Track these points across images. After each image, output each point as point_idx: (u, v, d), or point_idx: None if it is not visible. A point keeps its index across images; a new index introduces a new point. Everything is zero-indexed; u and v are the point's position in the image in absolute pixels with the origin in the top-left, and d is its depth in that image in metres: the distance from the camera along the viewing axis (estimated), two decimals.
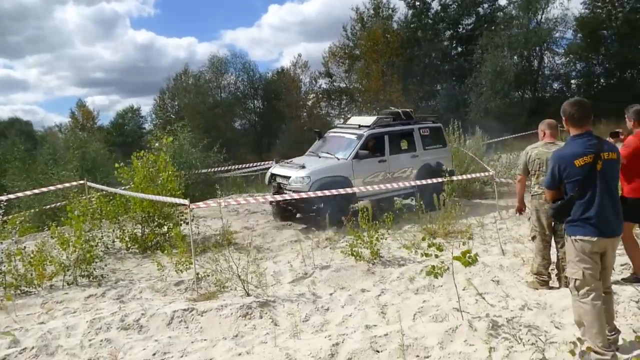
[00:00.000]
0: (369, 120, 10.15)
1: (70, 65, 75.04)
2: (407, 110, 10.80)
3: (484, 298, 4.57)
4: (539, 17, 29.84)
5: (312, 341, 4.00)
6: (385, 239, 6.59)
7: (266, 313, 4.76)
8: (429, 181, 8.71)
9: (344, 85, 37.17)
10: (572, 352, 3.23)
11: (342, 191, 8.24)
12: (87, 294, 5.82)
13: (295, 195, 8.38)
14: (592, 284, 3.34)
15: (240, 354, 3.92)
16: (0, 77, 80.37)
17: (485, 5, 33.49)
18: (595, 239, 3.31)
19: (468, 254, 3.81)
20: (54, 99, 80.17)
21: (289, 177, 9.01)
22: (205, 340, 4.28)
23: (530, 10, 29.28)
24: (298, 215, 9.63)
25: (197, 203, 6.25)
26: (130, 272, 6.97)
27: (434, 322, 4.18)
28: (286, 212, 9.59)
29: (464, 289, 4.99)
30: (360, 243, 6.34)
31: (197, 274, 5.86)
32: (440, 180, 8.73)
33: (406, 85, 32.49)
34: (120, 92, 78.48)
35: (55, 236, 6.48)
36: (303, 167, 9.16)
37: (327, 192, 8.08)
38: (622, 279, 4.73)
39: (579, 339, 3.32)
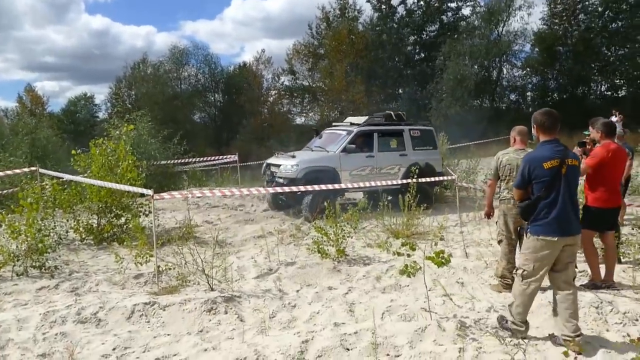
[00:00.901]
0: (362, 119, 10.89)
1: (17, 48, 71.20)
2: (399, 112, 11.29)
3: (451, 299, 4.64)
4: (500, 29, 30.81)
5: (280, 338, 3.93)
6: (351, 237, 6.57)
7: (231, 308, 4.65)
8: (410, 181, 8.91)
9: (307, 84, 37.13)
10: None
11: (329, 185, 8.38)
12: (38, 286, 5.51)
13: (286, 188, 8.66)
14: (536, 277, 3.67)
15: (206, 350, 3.80)
16: None
17: (449, 14, 34.28)
18: (555, 238, 3.57)
19: (441, 255, 3.84)
20: None
21: (280, 166, 9.71)
22: (168, 335, 4.13)
23: (492, 21, 30.18)
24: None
25: (162, 194, 6.04)
26: (86, 263, 6.65)
27: (403, 322, 4.20)
28: (280, 200, 10.39)
29: (429, 290, 5.04)
30: (326, 240, 6.31)
31: (158, 267, 5.66)
32: (429, 179, 9.09)
33: (369, 86, 32.81)
34: (72, 78, 75.46)
35: (5, 224, 6.10)
36: (294, 157, 9.94)
37: (315, 187, 8.19)
38: (581, 285, 4.90)
39: (551, 334, 3.46)
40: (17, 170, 9.69)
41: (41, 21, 74.67)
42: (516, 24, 31.34)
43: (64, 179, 8.51)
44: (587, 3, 29.74)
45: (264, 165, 10.64)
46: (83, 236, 7.59)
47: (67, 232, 7.55)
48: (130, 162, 7.48)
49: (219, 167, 16.63)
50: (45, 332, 4.20)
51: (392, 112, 11.13)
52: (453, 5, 33.79)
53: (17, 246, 6.05)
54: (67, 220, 7.52)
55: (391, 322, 4.15)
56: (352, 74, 32.97)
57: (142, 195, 8.18)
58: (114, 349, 3.86)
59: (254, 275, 5.86)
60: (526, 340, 3.73)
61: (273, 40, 67.41)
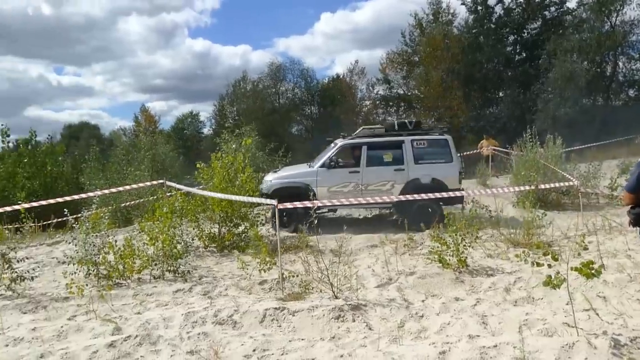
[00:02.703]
0: (366, 131, 10.09)
1: (132, 73, 78.99)
2: (405, 120, 10.04)
3: (597, 314, 4.28)
4: (613, 19, 28.28)
5: (415, 348, 3.87)
6: (472, 247, 6.33)
7: (358, 316, 4.68)
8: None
9: (402, 92, 36.76)
10: None
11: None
12: (174, 289, 5.95)
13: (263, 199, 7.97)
14: None
15: (342, 356, 3.84)
16: (70, 84, 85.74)
17: (553, 9, 32.11)
18: None
19: (591, 266, 3.56)
20: (117, 104, 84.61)
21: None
22: (302, 339, 4.24)
23: (603, 12, 27.77)
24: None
25: (285, 203, 6.29)
26: (211, 269, 7.08)
27: (545, 337, 3.94)
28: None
29: (567, 304, 4.69)
30: (446, 250, 6.14)
31: (282, 274, 5.86)
32: (428, 196, 7.94)
33: (467, 91, 31.72)
34: (178, 98, 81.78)
35: (145, 231, 6.69)
36: (275, 172, 9.98)
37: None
38: None
39: None
40: (148, 183, 10.58)
41: (151, 48, 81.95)
42: (632, 12, 28.40)
43: (186, 191, 9.18)
44: None
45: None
46: (206, 244, 8.09)
47: (192, 239, 8.09)
48: (248, 173, 7.87)
49: None
50: (188, 331, 4.51)
51: (396, 121, 9.98)
52: None
53: (154, 251, 6.60)
54: (193, 229, 8.06)
55: (532, 337, 3.91)
56: (449, 79, 32.08)
57: (258, 205, 8.60)
58: (254, 350, 4.03)
59: (375, 284, 5.85)
60: None
61: (363, 51, 68.07)
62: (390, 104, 37.22)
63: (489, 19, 32.89)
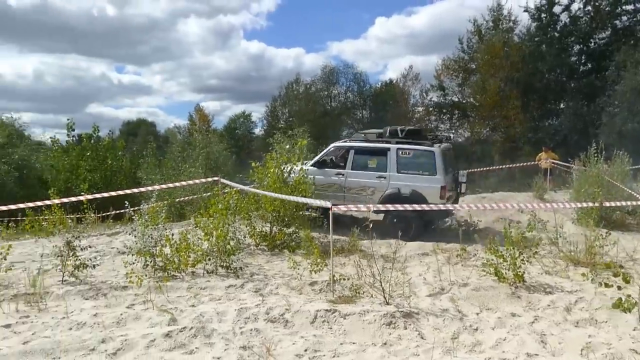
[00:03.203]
0: (359, 135, 10.24)
1: (189, 73, 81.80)
2: (398, 128, 9.74)
3: None
4: None
5: None
6: (529, 262, 6.09)
7: (410, 324, 4.61)
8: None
9: (457, 99, 36.04)
10: None
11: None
12: (227, 284, 6.07)
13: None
14: None
15: None
16: (130, 82, 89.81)
17: (624, 18, 30.53)
18: None
19: None
20: (173, 103, 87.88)
21: None
22: (353, 343, 4.22)
23: None
24: None
25: (340, 206, 6.30)
26: (262, 267, 7.18)
27: None
28: None
29: (634, 329, 4.43)
30: (502, 263, 5.94)
31: (333, 276, 5.86)
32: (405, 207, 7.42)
33: (526, 101, 30.67)
34: (232, 98, 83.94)
35: (200, 226, 6.87)
36: None
37: None
38: None
39: None
40: (203, 180, 10.89)
41: (208, 49, 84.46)
42: None
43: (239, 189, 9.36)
44: None
45: None
46: (258, 242, 8.22)
47: (244, 237, 8.24)
48: (302, 174, 7.94)
49: None
50: (241, 326, 4.58)
51: (392, 128, 9.70)
52: (629, 7, 30.05)
53: (208, 246, 6.77)
54: (246, 227, 8.20)
55: None
56: (507, 88, 31.12)
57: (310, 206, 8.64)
58: (305, 350, 4.05)
59: (426, 292, 5.75)
60: None
61: (417, 56, 67.52)
62: (444, 111, 36.56)
63: (553, 27, 31.66)
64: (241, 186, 9.30)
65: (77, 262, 6.27)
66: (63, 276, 6.23)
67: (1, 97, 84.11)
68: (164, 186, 10.99)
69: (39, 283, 5.72)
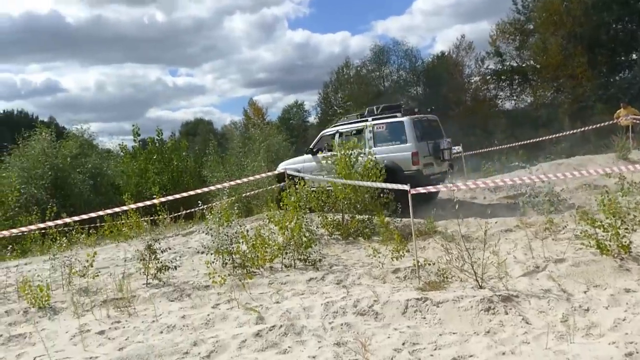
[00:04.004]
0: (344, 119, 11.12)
1: (238, 69, 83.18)
2: (374, 107, 10.45)
3: None
4: None
5: (592, 347, 3.39)
6: (635, 230, 5.51)
7: (511, 309, 4.26)
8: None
9: (516, 64, 34.18)
10: None
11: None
12: (307, 277, 5.94)
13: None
14: None
15: (504, 354, 3.48)
16: (184, 84, 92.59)
17: None
18: None
19: None
20: (226, 100, 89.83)
21: None
22: (453, 333, 3.95)
23: None
24: None
25: (417, 188, 5.98)
26: (340, 257, 7.01)
27: None
28: None
29: None
30: (602, 234, 5.41)
31: (418, 261, 5.58)
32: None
33: (592, 57, 28.55)
34: (281, 89, 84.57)
35: (273, 221, 6.78)
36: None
37: None
38: None
39: None
40: (269, 173, 10.90)
41: (254, 43, 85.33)
42: None
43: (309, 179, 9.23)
44: None
45: None
46: (331, 231, 8.05)
47: (317, 227, 8.10)
48: (371, 160, 7.67)
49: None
50: (330, 321, 4.42)
51: (375, 107, 10.38)
52: None
53: (283, 240, 6.67)
54: (318, 217, 8.06)
55: None
56: (570, 45, 29.12)
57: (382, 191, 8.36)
58: (403, 344, 3.82)
59: (520, 272, 5.34)
60: None
61: (465, 25, 64.79)
62: (503, 77, 34.82)
63: None
64: (309, 175, 9.18)
65: (159, 265, 6.36)
66: (147, 279, 6.35)
67: (69, 110, 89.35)
68: (232, 183, 11.09)
69: (126, 287, 5.87)
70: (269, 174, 10.86)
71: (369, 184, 7.02)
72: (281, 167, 11.04)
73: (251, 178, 10.80)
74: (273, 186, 11.63)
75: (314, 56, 78.60)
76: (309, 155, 10.52)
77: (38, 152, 16.01)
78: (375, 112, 10.10)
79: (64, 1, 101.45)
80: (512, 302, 4.37)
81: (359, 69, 38.37)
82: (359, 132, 9.95)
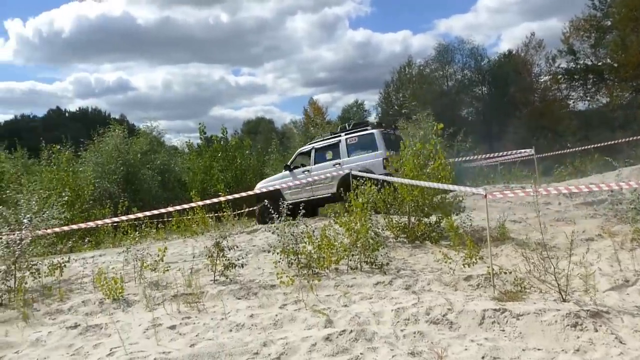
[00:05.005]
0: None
1: (298, 68, 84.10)
2: (346, 124, 12.12)
3: None
4: None
5: None
6: None
7: (600, 326, 3.93)
8: None
9: (591, 63, 32.24)
10: None
11: None
12: (374, 281, 5.80)
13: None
14: None
15: None
16: (246, 83, 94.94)
17: None
18: None
19: None
20: (286, 99, 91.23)
21: None
22: (538, 349, 3.68)
23: None
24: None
25: (494, 192, 5.69)
26: (407, 261, 6.82)
27: None
28: None
29: None
30: None
31: (493, 269, 5.30)
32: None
33: None
34: (341, 89, 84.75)
35: (340, 222, 6.69)
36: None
37: None
38: None
39: None
40: (334, 174, 10.81)
41: (315, 43, 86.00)
42: None
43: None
44: None
45: None
46: (397, 234, 7.86)
47: (382, 230, 7.93)
48: (441, 160, 7.41)
49: (502, 164, 15.65)
50: (402, 329, 4.27)
51: (346, 124, 12.08)
52: None
53: (349, 242, 6.56)
54: (384, 219, 7.89)
55: None
56: None
57: (446, 193, 8.08)
58: (482, 358, 3.61)
59: (607, 286, 4.95)
60: None
61: (533, 22, 61.94)
62: (576, 77, 32.95)
63: None
64: (376, 176, 9.02)
65: (227, 262, 6.42)
66: (214, 276, 6.43)
67: (138, 107, 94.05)
68: (297, 182, 11.13)
69: (194, 283, 5.97)
70: (334, 174, 10.75)
71: (440, 185, 6.78)
72: (259, 186, 12.09)
73: (315, 177, 10.74)
74: (253, 207, 12.60)
75: (374, 55, 78.25)
76: (287, 172, 11.78)
77: (111, 148, 16.80)
78: (348, 128, 11.67)
79: (135, 2, 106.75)
80: (601, 319, 4.03)
81: (421, 67, 37.62)
82: (334, 145, 11.41)
